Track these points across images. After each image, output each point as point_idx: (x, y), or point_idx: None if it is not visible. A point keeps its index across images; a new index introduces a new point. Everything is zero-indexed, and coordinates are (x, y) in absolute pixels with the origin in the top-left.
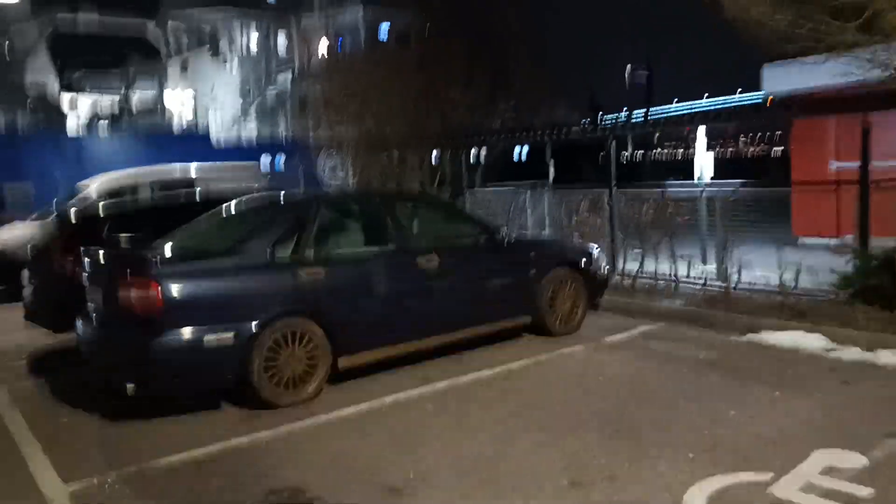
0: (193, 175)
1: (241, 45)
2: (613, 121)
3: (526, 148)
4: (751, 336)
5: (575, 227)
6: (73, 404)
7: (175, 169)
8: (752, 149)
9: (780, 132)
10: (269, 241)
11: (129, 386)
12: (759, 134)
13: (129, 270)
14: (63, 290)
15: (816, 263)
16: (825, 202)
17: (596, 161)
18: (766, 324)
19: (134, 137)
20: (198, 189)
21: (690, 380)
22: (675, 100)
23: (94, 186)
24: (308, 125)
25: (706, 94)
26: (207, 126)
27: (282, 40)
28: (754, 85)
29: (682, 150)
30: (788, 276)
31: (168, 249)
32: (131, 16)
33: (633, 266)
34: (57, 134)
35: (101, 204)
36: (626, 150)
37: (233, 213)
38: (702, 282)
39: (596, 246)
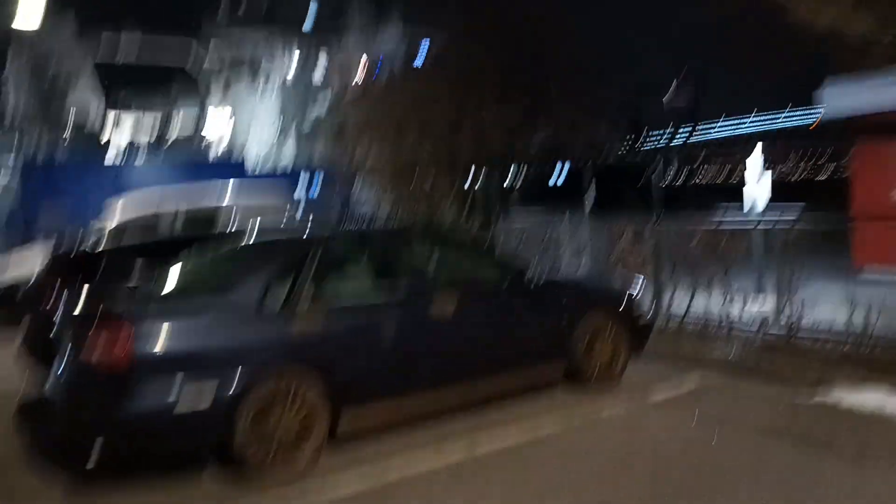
0: (222, 198)
1: (280, 70)
2: (661, 137)
3: (565, 171)
4: (823, 396)
5: (616, 261)
6: (41, 466)
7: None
8: (796, 173)
9: (826, 156)
10: (261, 285)
11: (92, 451)
12: (805, 157)
13: (95, 319)
14: (49, 331)
15: (887, 301)
16: (891, 232)
17: (638, 183)
18: (839, 379)
19: (170, 163)
20: (215, 218)
21: (755, 453)
22: (723, 116)
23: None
24: (342, 151)
25: (753, 113)
26: (244, 152)
27: (320, 67)
28: (798, 106)
29: (727, 171)
30: (859, 318)
31: (143, 295)
32: (173, 39)
33: (681, 304)
34: (93, 161)
35: (102, 235)
36: (669, 172)
37: (222, 251)
38: (759, 324)
39: (639, 283)
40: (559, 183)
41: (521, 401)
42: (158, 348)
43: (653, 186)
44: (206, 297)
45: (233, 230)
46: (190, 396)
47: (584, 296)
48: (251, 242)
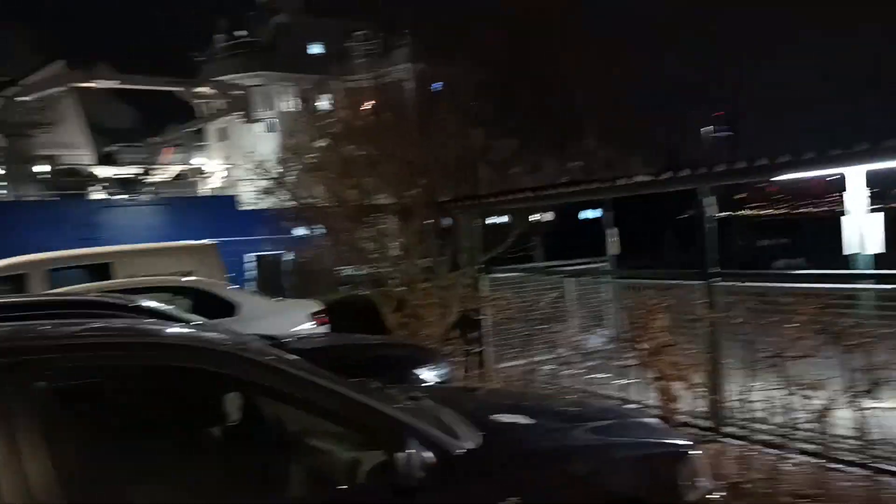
0: (113, 259)
1: (279, 111)
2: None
3: (587, 215)
4: None
5: (647, 356)
6: None
7: (91, 254)
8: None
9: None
10: None
11: None
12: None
13: None
14: None
15: None
16: None
17: (676, 231)
18: None
19: (155, 206)
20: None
21: None
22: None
23: None
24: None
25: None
26: (235, 195)
27: (322, 105)
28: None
29: (774, 210)
30: None
31: None
32: (168, 80)
33: (768, 434)
34: (71, 205)
35: None
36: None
37: None
38: None
39: (688, 437)
40: (572, 222)
41: None
42: None
43: (702, 231)
44: None
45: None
46: None
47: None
48: None
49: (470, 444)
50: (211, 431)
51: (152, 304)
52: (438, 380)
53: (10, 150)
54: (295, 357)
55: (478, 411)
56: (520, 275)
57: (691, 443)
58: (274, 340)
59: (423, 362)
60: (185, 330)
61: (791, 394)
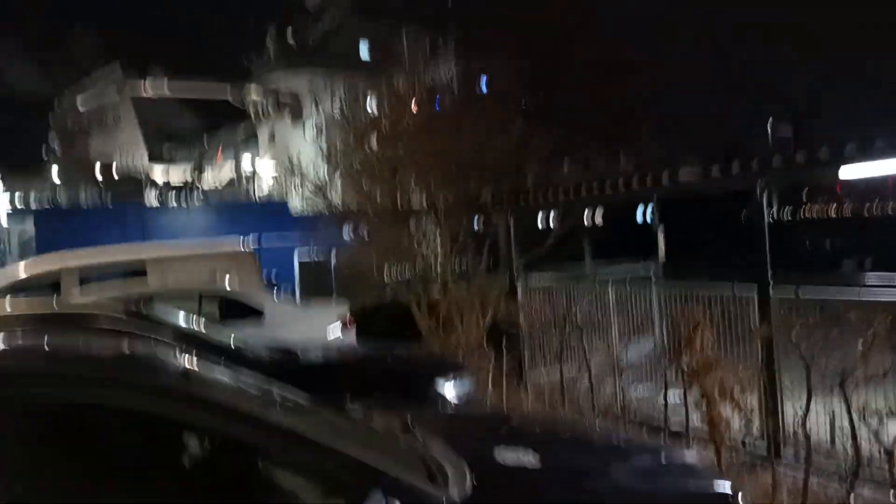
0: (145, 258)
1: (326, 110)
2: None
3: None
4: None
5: (692, 375)
6: None
7: (123, 251)
8: None
9: None
10: None
11: None
12: None
13: None
14: None
15: None
16: None
17: (730, 233)
18: None
19: (205, 208)
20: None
21: None
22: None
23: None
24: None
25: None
26: (285, 198)
27: (370, 105)
28: None
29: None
30: None
31: None
32: (219, 86)
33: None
34: (125, 209)
35: None
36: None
37: None
38: None
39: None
40: (615, 224)
41: None
42: None
43: (756, 225)
44: None
45: None
46: None
47: None
48: None
49: (456, 495)
50: (133, 479)
51: (159, 314)
52: (458, 395)
53: (67, 155)
54: (246, 383)
55: (482, 446)
56: (558, 280)
57: (739, 492)
58: (290, 354)
59: (442, 376)
60: (111, 354)
61: (861, 419)
